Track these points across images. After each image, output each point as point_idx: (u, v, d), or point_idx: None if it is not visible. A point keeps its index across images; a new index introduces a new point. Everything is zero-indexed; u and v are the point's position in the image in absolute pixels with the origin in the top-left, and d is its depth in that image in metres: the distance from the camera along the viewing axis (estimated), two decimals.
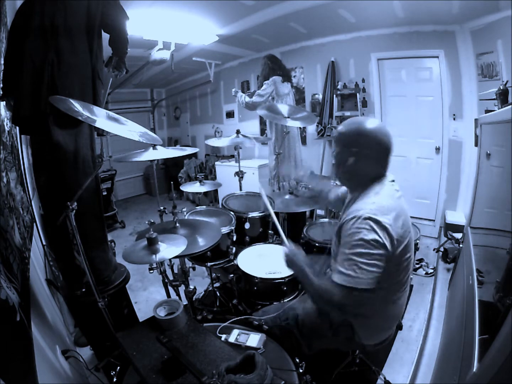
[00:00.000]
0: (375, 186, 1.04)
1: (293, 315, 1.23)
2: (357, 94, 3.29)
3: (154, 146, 1.44)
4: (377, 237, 0.91)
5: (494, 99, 1.82)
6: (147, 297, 2.39)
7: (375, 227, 0.91)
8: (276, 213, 2.04)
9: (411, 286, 2.29)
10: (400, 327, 1.28)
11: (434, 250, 2.80)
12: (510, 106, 1.37)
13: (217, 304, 2.00)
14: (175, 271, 1.64)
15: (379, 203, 0.97)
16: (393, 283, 1.04)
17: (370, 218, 0.92)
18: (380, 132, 1.04)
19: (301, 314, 1.22)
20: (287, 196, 2.15)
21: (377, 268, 0.91)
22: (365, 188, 1.06)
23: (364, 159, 1.04)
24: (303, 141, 3.94)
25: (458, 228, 2.67)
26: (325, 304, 1.01)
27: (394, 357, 1.68)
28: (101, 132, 1.84)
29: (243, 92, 3.24)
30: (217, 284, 2.17)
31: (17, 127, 1.52)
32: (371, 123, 1.05)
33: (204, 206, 2.26)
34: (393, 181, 1.08)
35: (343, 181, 1.18)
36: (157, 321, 1.09)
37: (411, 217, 1.10)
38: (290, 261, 1.09)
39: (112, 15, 1.52)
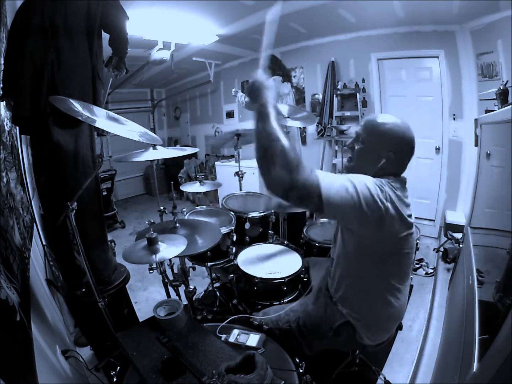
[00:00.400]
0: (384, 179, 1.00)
1: (294, 317, 1.22)
2: (357, 94, 3.30)
3: (154, 146, 1.44)
4: (379, 197, 0.86)
5: (494, 99, 1.82)
6: (147, 297, 2.39)
7: (385, 189, 0.88)
8: (276, 213, 2.05)
9: (411, 286, 2.29)
10: (400, 327, 1.28)
11: (434, 250, 2.81)
12: (510, 106, 1.37)
13: (217, 304, 2.00)
14: (175, 271, 1.64)
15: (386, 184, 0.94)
16: (393, 271, 1.03)
17: (381, 189, 0.88)
18: (412, 138, 1.01)
19: (302, 316, 1.21)
20: None
21: (353, 206, 0.83)
22: None
23: (396, 161, 0.99)
24: (303, 141, 3.94)
25: (458, 228, 2.68)
26: (274, 162, 0.79)
27: (394, 357, 1.68)
28: (101, 132, 1.84)
29: (243, 92, 3.24)
30: (217, 284, 2.17)
31: (17, 127, 1.52)
32: (404, 125, 1.01)
33: (204, 206, 2.26)
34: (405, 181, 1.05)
35: None
36: (157, 321, 1.09)
37: None
38: (258, 88, 0.89)
39: (112, 15, 1.52)
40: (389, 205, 0.89)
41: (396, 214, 0.90)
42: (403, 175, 1.08)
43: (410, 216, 0.96)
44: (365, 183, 0.87)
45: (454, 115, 2.94)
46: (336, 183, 0.84)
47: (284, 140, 0.80)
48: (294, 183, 0.79)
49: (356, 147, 1.05)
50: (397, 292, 1.07)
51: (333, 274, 1.19)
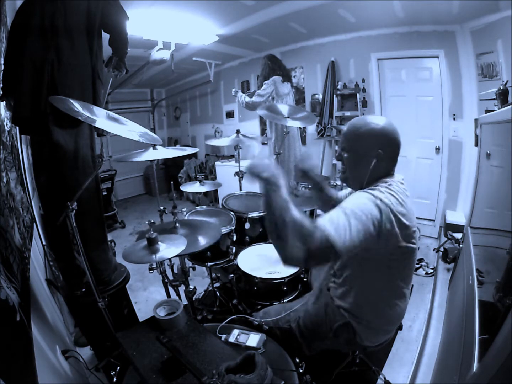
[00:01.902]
0: (382, 185, 0.99)
1: (294, 317, 1.22)
2: (357, 94, 3.29)
3: (154, 146, 1.44)
4: (377, 214, 0.85)
5: (494, 99, 1.82)
6: (147, 297, 2.40)
7: (380, 204, 0.86)
8: None
9: (411, 286, 2.28)
10: (400, 327, 1.28)
11: (434, 250, 2.81)
12: (510, 106, 1.37)
13: (217, 304, 2.00)
14: (175, 271, 1.64)
15: (388, 194, 0.92)
16: (398, 274, 1.02)
17: (378, 198, 0.87)
18: (393, 130, 1.00)
19: (302, 316, 1.21)
20: None
21: (361, 235, 0.82)
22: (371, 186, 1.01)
23: (385, 162, 0.99)
24: (303, 141, 3.94)
25: (458, 228, 2.68)
26: (285, 232, 0.80)
27: (394, 357, 1.68)
28: (101, 132, 1.85)
29: (243, 92, 3.25)
30: (217, 284, 2.17)
31: (17, 127, 1.52)
32: (382, 120, 1.00)
33: (204, 206, 2.26)
34: (402, 179, 1.04)
35: (353, 185, 1.10)
36: (157, 321, 1.09)
37: None
38: (258, 167, 0.86)
39: (112, 15, 1.52)
40: (391, 225, 0.88)
41: (400, 228, 0.90)
42: (402, 175, 1.07)
43: (411, 220, 0.95)
44: (365, 213, 0.85)
45: (454, 115, 2.94)
46: (341, 226, 0.81)
47: (292, 213, 0.81)
48: (310, 254, 0.78)
49: (344, 157, 1.05)
50: (401, 294, 1.07)
51: (335, 276, 1.19)
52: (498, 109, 1.73)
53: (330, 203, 1.28)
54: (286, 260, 0.83)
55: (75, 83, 1.41)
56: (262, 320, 1.24)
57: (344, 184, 1.19)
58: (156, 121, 6.15)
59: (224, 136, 3.22)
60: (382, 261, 0.99)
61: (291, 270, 1.53)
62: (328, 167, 3.73)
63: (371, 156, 0.98)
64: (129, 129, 1.24)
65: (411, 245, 0.96)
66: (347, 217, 0.83)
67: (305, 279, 1.59)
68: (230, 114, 4.92)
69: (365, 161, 1.00)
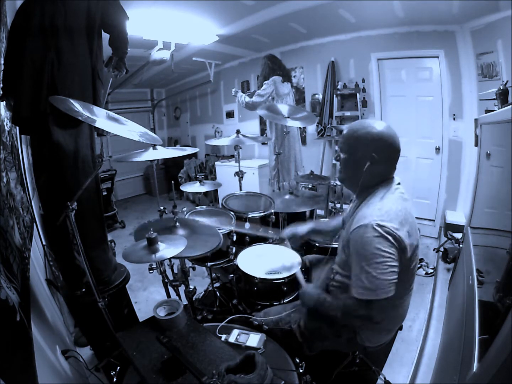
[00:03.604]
0: (380, 190, 1.03)
1: (295, 319, 1.22)
2: (357, 94, 3.30)
3: (154, 146, 1.44)
4: (389, 245, 0.91)
5: (494, 99, 1.81)
6: (147, 297, 2.39)
7: (385, 234, 0.91)
8: (276, 213, 2.05)
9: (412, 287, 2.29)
10: (400, 327, 1.28)
11: (434, 250, 2.80)
12: (510, 106, 1.36)
13: (217, 304, 2.00)
14: (175, 271, 1.64)
15: (385, 208, 0.96)
16: (402, 288, 1.03)
17: (379, 226, 0.91)
18: (393, 135, 1.02)
19: (303, 317, 1.21)
20: (287, 196, 2.15)
21: (394, 275, 0.91)
22: (370, 192, 1.05)
23: (380, 165, 1.02)
24: (303, 141, 3.94)
25: (458, 228, 2.67)
26: (351, 320, 1.03)
27: (394, 357, 1.68)
28: (101, 132, 1.84)
29: (243, 92, 3.25)
30: (217, 284, 2.17)
31: (17, 127, 1.52)
32: (380, 125, 1.03)
33: (204, 206, 2.26)
34: (399, 184, 1.07)
35: (349, 186, 1.16)
36: (157, 321, 1.09)
37: None
38: (304, 298, 1.15)
39: (112, 15, 1.52)
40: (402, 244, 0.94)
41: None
42: (401, 176, 1.09)
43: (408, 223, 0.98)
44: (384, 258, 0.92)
45: (454, 115, 2.94)
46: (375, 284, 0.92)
47: (341, 305, 1.02)
48: (361, 319, 0.99)
49: (341, 158, 1.09)
50: (402, 295, 1.08)
51: (335, 278, 1.20)
52: (498, 109, 1.73)
53: (329, 234, 1.46)
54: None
55: (75, 83, 1.41)
56: (263, 319, 1.25)
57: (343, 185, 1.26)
58: (156, 121, 6.15)
59: (224, 136, 3.23)
60: None
61: (291, 270, 1.53)
62: (328, 167, 3.73)
63: (365, 159, 1.01)
64: (129, 129, 1.24)
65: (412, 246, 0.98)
66: (368, 273, 0.92)
67: (305, 278, 1.58)
68: (230, 114, 4.91)
69: (359, 163, 1.03)
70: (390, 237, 0.91)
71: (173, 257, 1.18)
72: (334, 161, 3.66)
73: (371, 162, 1.01)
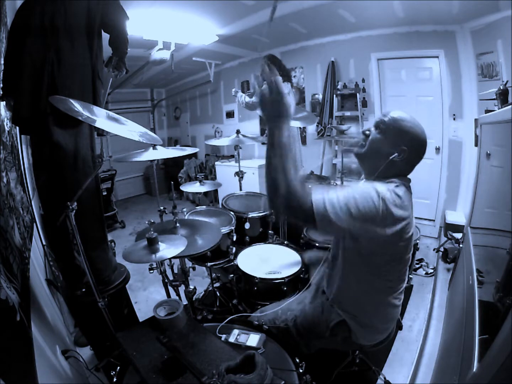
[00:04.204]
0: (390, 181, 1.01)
1: (291, 316, 1.23)
2: (357, 94, 3.30)
3: (154, 146, 1.44)
4: (380, 204, 0.87)
5: (494, 99, 1.81)
6: (147, 297, 2.39)
7: (384, 198, 0.89)
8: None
9: (411, 286, 2.29)
10: (400, 327, 1.29)
11: (434, 250, 2.80)
12: (510, 106, 1.36)
13: (217, 304, 2.00)
14: (175, 271, 1.64)
15: (391, 189, 0.94)
16: (392, 271, 1.03)
17: (376, 191, 0.89)
18: (425, 139, 1.02)
19: (299, 315, 1.22)
20: None
21: (364, 207, 0.85)
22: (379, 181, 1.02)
23: (401, 158, 0.99)
24: (303, 141, 3.94)
25: (458, 228, 2.67)
26: (280, 192, 0.81)
27: (394, 357, 1.67)
28: (101, 132, 1.84)
29: (243, 92, 3.24)
30: (217, 284, 2.17)
31: (17, 127, 1.52)
32: (422, 128, 1.02)
33: (204, 206, 2.26)
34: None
35: (363, 163, 1.10)
36: (157, 321, 1.09)
37: None
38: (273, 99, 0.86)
39: (112, 15, 1.52)
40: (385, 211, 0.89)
41: (391, 222, 0.91)
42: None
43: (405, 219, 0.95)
44: (367, 192, 0.89)
45: (454, 115, 2.94)
46: (341, 196, 0.86)
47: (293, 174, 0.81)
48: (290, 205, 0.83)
49: (372, 135, 1.04)
50: (393, 291, 1.08)
51: (329, 276, 1.20)
52: (498, 109, 1.73)
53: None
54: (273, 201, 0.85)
55: (75, 83, 1.41)
56: (260, 316, 1.25)
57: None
58: (156, 121, 6.15)
59: (224, 136, 3.22)
60: (377, 260, 1.00)
61: (291, 270, 1.53)
62: (328, 167, 3.73)
63: (395, 149, 0.99)
64: (129, 129, 1.24)
65: (402, 243, 0.97)
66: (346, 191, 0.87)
67: (306, 277, 1.58)
68: (230, 114, 4.91)
69: (387, 149, 1.00)
70: (386, 201, 0.88)
71: (173, 257, 1.18)
72: (334, 161, 3.66)
73: (399, 154, 0.98)
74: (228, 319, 1.22)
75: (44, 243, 1.72)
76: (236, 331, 1.13)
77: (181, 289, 1.57)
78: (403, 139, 0.99)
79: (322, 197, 0.84)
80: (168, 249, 1.15)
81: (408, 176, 1.07)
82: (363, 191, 0.90)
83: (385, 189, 0.92)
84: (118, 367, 1.07)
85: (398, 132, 1.00)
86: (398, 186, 0.97)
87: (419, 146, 1.01)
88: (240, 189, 2.40)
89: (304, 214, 0.83)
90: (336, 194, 0.86)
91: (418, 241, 1.87)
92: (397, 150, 0.98)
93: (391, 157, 0.98)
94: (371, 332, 1.15)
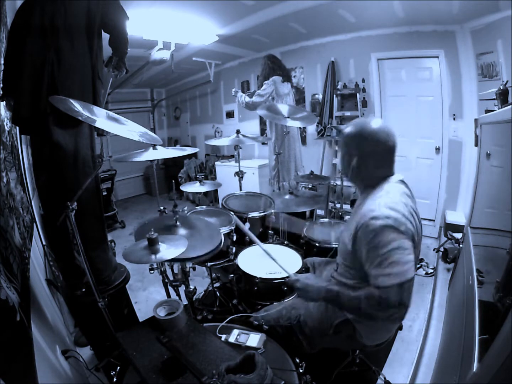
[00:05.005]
0: (383, 186, 1.04)
1: (295, 314, 1.23)
2: (357, 94, 3.30)
3: (154, 146, 1.44)
4: (400, 232, 0.91)
5: (494, 99, 1.81)
6: (147, 297, 2.39)
7: (394, 224, 0.92)
8: (276, 213, 2.05)
9: None
10: (400, 327, 1.28)
11: (434, 250, 2.80)
12: (510, 106, 1.36)
13: (217, 304, 2.00)
14: (175, 271, 1.64)
15: (388, 198, 0.98)
16: None
17: (387, 217, 0.92)
18: (381, 132, 1.04)
19: (303, 314, 1.22)
20: (287, 196, 2.15)
21: (411, 256, 0.91)
22: (370, 191, 1.06)
23: (367, 161, 1.06)
24: (303, 141, 3.94)
25: (458, 228, 2.67)
26: (377, 311, 0.93)
27: (394, 357, 1.67)
28: (101, 132, 1.84)
29: (243, 92, 3.25)
30: (217, 284, 2.17)
31: (17, 127, 1.52)
32: (372, 124, 1.06)
33: (204, 206, 2.26)
34: (401, 181, 1.08)
35: (352, 182, 1.19)
36: (157, 321, 1.09)
37: None
38: (308, 291, 1.10)
39: (112, 15, 1.52)
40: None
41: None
42: (402, 175, 1.09)
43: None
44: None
45: (454, 115, 2.94)
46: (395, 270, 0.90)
47: (365, 297, 0.94)
48: (393, 307, 0.89)
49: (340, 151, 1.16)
50: None
51: (337, 275, 1.20)
52: (498, 109, 1.73)
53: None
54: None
55: (75, 83, 1.41)
56: (263, 315, 1.25)
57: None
58: (156, 121, 6.15)
59: (224, 136, 3.22)
60: None
61: (291, 270, 1.52)
62: (328, 167, 3.73)
63: (352, 155, 1.08)
64: (129, 129, 1.24)
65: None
66: (388, 260, 0.90)
67: None
68: (230, 114, 4.91)
69: (348, 159, 1.10)
70: (401, 227, 0.92)
71: (173, 259, 1.17)
72: (334, 161, 3.67)
73: (358, 158, 1.06)
74: (228, 319, 1.22)
75: (44, 243, 1.72)
76: (236, 331, 1.13)
77: (181, 289, 1.56)
78: (354, 143, 1.08)
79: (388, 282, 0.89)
80: (169, 250, 1.15)
81: (405, 175, 1.10)
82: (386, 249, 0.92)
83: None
84: (118, 367, 1.07)
85: (347, 143, 1.11)
86: (387, 192, 1.02)
87: (372, 142, 1.05)
88: (240, 189, 2.40)
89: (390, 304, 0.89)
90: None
91: None
92: (354, 155, 1.08)
93: (352, 164, 1.08)
94: (376, 331, 1.15)
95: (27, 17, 1.31)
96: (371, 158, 1.06)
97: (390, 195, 1.00)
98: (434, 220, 3.23)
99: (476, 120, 2.56)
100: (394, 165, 1.09)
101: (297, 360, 1.00)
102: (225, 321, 1.19)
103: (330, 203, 3.10)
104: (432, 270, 2.53)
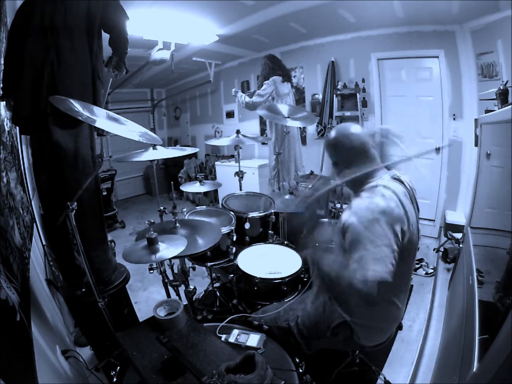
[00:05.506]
0: (372, 185, 1.04)
1: (293, 316, 1.23)
2: (357, 94, 3.29)
3: (154, 146, 1.44)
4: (388, 227, 0.90)
5: (494, 99, 1.81)
6: (147, 297, 2.39)
7: (385, 216, 0.91)
8: (276, 213, 2.06)
9: (411, 286, 2.29)
10: (400, 327, 1.28)
11: (434, 250, 2.80)
12: (510, 106, 1.37)
13: (217, 304, 2.00)
14: (175, 271, 1.64)
15: (378, 193, 0.98)
16: (398, 282, 1.03)
17: (378, 207, 0.93)
18: (342, 137, 1.10)
19: (300, 315, 1.22)
20: (287, 196, 2.15)
21: (394, 256, 0.89)
22: (363, 188, 1.06)
23: (343, 165, 1.11)
24: (303, 141, 3.94)
25: (458, 228, 2.67)
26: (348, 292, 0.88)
27: (394, 357, 1.67)
28: (101, 132, 1.84)
29: (243, 92, 3.24)
30: (217, 284, 2.17)
31: (17, 127, 1.52)
32: (335, 131, 1.13)
33: (204, 206, 2.26)
34: (396, 178, 1.07)
35: (347, 187, 1.22)
36: (157, 321, 1.09)
37: None
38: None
39: (112, 15, 1.52)
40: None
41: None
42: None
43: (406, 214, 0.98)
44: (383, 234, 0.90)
45: (454, 115, 2.93)
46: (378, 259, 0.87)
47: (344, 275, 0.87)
48: (372, 302, 0.85)
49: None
50: (397, 293, 1.08)
51: None
52: (498, 109, 1.73)
53: None
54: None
55: (75, 83, 1.40)
56: (261, 316, 1.25)
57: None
58: (156, 121, 6.15)
59: (224, 136, 3.22)
60: None
61: (291, 270, 1.53)
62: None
63: (333, 165, 1.16)
64: (129, 129, 1.24)
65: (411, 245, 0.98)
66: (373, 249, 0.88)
67: (305, 279, 1.59)
68: (230, 114, 4.91)
69: (334, 169, 1.16)
70: (388, 219, 0.92)
71: (173, 257, 1.18)
72: None
73: (334, 164, 1.14)
74: (228, 319, 1.22)
75: (44, 243, 1.72)
76: (236, 331, 1.13)
77: (181, 289, 1.57)
78: (328, 151, 1.17)
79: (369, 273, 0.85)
80: (168, 249, 1.15)
81: (404, 175, 1.16)
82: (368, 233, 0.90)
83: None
84: (118, 367, 1.08)
85: (329, 150, 1.17)
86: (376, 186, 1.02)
87: (338, 146, 1.11)
88: (240, 189, 2.40)
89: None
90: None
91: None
92: (334, 164, 1.15)
93: (336, 172, 1.14)
94: (373, 332, 1.15)
95: (27, 17, 1.31)
96: (349, 162, 1.10)
97: (377, 191, 0.99)
98: (434, 220, 3.23)
99: (476, 120, 2.56)
100: (378, 161, 1.11)
101: (297, 360, 1.00)
102: (225, 321, 1.19)
103: (330, 203, 3.10)
104: (432, 270, 2.53)
